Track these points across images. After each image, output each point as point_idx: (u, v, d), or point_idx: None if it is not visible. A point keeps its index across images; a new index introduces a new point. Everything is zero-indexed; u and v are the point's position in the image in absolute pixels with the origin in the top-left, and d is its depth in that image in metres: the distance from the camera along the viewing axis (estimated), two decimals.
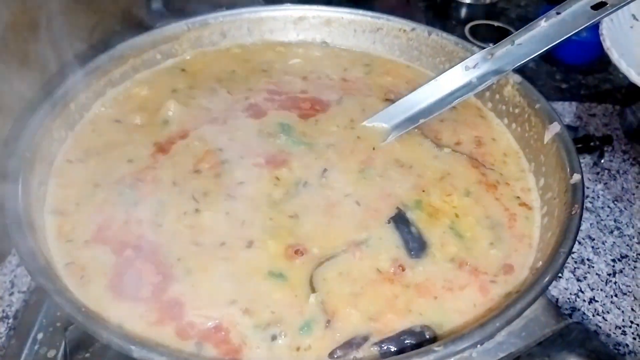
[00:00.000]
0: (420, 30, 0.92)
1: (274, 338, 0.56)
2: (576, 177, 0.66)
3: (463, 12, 1.44)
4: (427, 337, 0.56)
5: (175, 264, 0.61)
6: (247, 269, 0.62)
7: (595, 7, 0.72)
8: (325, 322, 0.57)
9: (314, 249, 0.64)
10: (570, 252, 0.57)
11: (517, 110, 0.80)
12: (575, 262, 0.85)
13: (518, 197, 0.72)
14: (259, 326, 0.57)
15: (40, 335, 0.68)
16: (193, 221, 0.66)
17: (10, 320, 0.75)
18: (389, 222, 0.67)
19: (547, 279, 0.55)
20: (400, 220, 0.67)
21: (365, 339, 0.56)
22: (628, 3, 0.71)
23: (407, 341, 0.55)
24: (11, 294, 0.78)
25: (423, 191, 0.71)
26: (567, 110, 1.14)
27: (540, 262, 0.60)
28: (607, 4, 0.71)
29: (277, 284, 0.60)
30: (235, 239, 0.64)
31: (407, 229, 0.66)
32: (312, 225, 0.66)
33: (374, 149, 0.77)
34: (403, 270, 0.62)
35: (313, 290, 0.60)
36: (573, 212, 0.62)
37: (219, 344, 0.55)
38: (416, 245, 0.65)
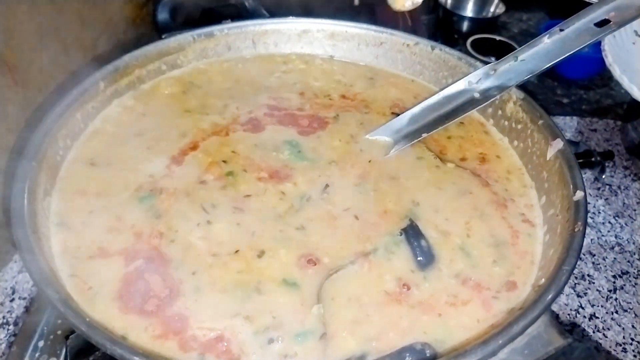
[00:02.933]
0: (424, 45, 0.93)
1: (270, 341, 0.57)
2: (579, 194, 0.66)
3: (465, 25, 1.45)
4: (427, 354, 0.55)
5: (186, 278, 0.61)
6: (260, 277, 0.62)
7: (599, 25, 0.72)
8: (320, 334, 0.57)
9: (325, 258, 0.64)
10: (573, 269, 0.58)
11: (519, 126, 0.81)
12: (576, 278, 0.85)
13: (523, 214, 0.72)
14: (258, 332, 0.57)
15: (41, 343, 0.68)
16: (206, 232, 0.66)
17: (11, 327, 0.74)
18: (400, 234, 0.68)
19: (550, 296, 0.55)
20: (412, 232, 0.68)
21: (361, 358, 0.56)
22: (631, 21, 0.72)
23: (408, 359, 0.55)
24: (12, 300, 0.78)
25: (418, 204, 0.72)
26: (569, 125, 1.14)
27: (543, 279, 0.60)
28: (610, 21, 0.72)
29: (290, 292, 0.61)
30: (247, 248, 0.65)
31: (417, 241, 0.66)
32: (319, 236, 0.67)
33: (370, 161, 0.77)
34: (409, 289, 0.62)
35: (318, 300, 0.60)
36: (576, 230, 0.62)
37: (220, 354, 0.56)
38: (423, 259, 0.65)
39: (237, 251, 0.64)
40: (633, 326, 0.79)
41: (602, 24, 0.72)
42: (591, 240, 0.90)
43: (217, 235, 0.66)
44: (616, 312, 0.80)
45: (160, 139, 0.79)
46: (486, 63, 0.82)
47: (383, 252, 0.65)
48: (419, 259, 0.65)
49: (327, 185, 0.73)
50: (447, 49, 0.91)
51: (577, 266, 0.84)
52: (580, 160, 0.73)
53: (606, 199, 0.98)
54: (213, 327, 0.57)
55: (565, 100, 1.24)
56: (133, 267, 0.62)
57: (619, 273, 0.86)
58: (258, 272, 0.63)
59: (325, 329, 0.58)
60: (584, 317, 0.80)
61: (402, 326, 0.59)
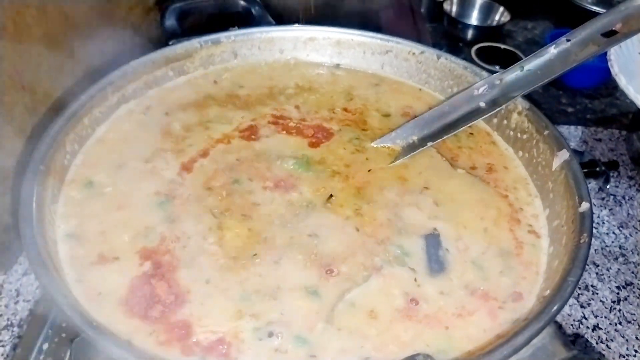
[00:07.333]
0: (430, 54, 0.93)
1: (270, 335, 0.57)
2: (585, 205, 0.66)
3: (469, 34, 1.45)
4: None
5: (196, 282, 0.61)
6: (280, 282, 0.62)
7: (606, 35, 0.72)
8: (312, 353, 0.57)
9: (343, 267, 0.64)
10: (578, 281, 0.57)
11: (525, 136, 0.81)
12: (579, 289, 0.84)
13: (530, 225, 0.72)
14: (260, 327, 0.58)
15: (45, 346, 0.68)
16: (219, 238, 0.66)
17: (15, 329, 0.75)
18: (421, 238, 0.68)
19: (555, 307, 0.55)
20: (432, 241, 0.68)
21: None
22: (638, 32, 0.72)
23: None
24: (16, 302, 0.78)
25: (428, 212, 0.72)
26: (573, 134, 1.14)
27: (548, 291, 0.60)
28: (617, 32, 0.72)
29: (309, 298, 0.61)
30: (264, 253, 0.65)
31: (434, 249, 0.67)
32: (334, 244, 0.67)
33: (369, 170, 0.77)
34: (417, 304, 0.61)
35: (328, 319, 0.59)
36: (581, 241, 0.62)
37: (220, 356, 0.56)
38: (437, 268, 0.65)
39: (255, 254, 0.65)
40: (637, 338, 0.78)
41: (609, 34, 0.72)
42: (595, 250, 0.90)
43: (230, 240, 0.66)
44: (620, 323, 0.80)
45: (166, 146, 0.79)
46: (491, 71, 0.82)
47: (394, 263, 0.65)
48: (432, 267, 0.65)
49: (331, 195, 0.73)
50: (453, 58, 0.91)
51: None
52: (585, 170, 0.73)
53: (610, 209, 0.97)
54: (216, 330, 0.57)
55: (570, 110, 1.24)
56: (142, 272, 0.62)
57: (623, 284, 0.85)
58: (277, 277, 0.63)
59: (317, 352, 0.57)
60: (588, 327, 0.79)
61: (403, 339, 0.58)
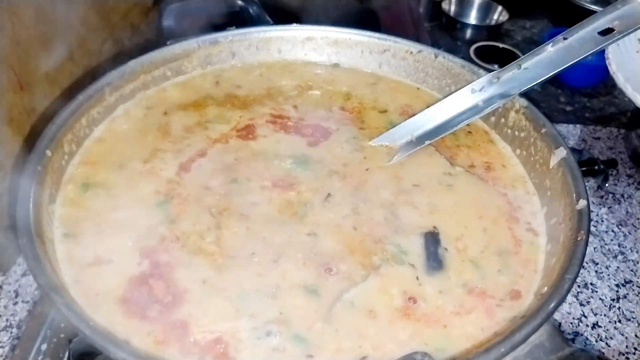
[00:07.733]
0: (427, 53, 0.92)
1: (268, 334, 0.57)
2: (582, 202, 0.66)
3: (468, 33, 1.46)
4: None
5: (195, 282, 0.61)
6: (279, 281, 0.62)
7: (603, 33, 0.72)
8: (308, 353, 0.57)
9: (342, 266, 0.64)
10: (575, 278, 0.57)
11: (522, 134, 0.81)
12: (579, 287, 0.84)
13: (528, 223, 0.72)
14: (258, 326, 0.58)
15: (44, 346, 0.68)
16: (217, 237, 0.66)
17: (14, 330, 0.75)
18: (420, 236, 0.68)
19: (552, 304, 0.55)
20: (432, 239, 0.68)
21: None
22: (635, 30, 0.72)
23: None
24: (15, 303, 0.78)
25: (427, 211, 0.72)
26: (572, 132, 1.14)
27: (546, 288, 0.60)
28: (614, 30, 0.72)
29: (309, 297, 0.61)
30: (263, 252, 0.65)
31: (433, 248, 0.67)
32: (333, 243, 0.67)
33: (367, 169, 0.77)
34: (415, 302, 0.62)
35: (326, 319, 0.59)
36: (579, 238, 0.62)
37: (218, 355, 0.56)
38: (435, 265, 0.65)
39: (253, 254, 0.65)
40: (636, 335, 0.78)
41: (606, 32, 0.72)
42: (594, 248, 0.90)
43: (228, 239, 0.66)
44: (619, 321, 0.80)
45: (164, 146, 0.79)
46: (489, 71, 0.82)
47: (392, 262, 0.65)
48: (431, 265, 0.65)
49: (329, 195, 0.73)
50: (451, 57, 0.91)
51: (580, 275, 0.84)
52: (584, 169, 0.73)
53: (609, 208, 0.97)
54: (214, 330, 0.57)
55: (568, 108, 1.24)
56: (139, 272, 0.62)
57: (622, 282, 0.85)
58: (276, 276, 0.63)
59: (315, 351, 0.57)
60: (587, 325, 0.79)
61: (401, 338, 0.58)
